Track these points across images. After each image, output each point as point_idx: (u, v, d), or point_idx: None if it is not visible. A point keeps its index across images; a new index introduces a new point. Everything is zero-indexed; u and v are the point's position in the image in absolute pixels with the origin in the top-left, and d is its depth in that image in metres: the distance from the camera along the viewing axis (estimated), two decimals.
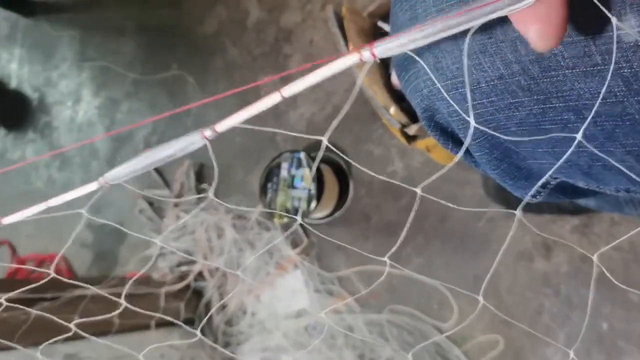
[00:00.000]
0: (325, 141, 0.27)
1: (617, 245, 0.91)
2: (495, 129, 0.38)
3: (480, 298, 0.33)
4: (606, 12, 0.25)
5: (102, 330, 1.04)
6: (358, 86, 0.27)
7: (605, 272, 0.32)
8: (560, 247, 0.97)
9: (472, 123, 0.27)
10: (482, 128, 0.38)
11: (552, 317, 0.96)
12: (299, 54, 1.33)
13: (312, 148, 1.25)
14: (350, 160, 1.21)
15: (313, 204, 1.10)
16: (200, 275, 1.30)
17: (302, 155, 1.13)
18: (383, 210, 1.14)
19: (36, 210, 0.30)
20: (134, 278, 1.23)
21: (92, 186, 0.29)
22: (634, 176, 0.40)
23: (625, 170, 0.39)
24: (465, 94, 0.36)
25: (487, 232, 1.03)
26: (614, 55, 0.29)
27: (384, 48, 0.24)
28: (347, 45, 0.96)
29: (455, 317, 1.04)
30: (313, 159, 1.14)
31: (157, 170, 1.49)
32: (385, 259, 0.33)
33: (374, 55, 0.24)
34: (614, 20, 0.25)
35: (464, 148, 0.28)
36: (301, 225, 1.21)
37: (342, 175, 1.21)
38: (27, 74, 1.85)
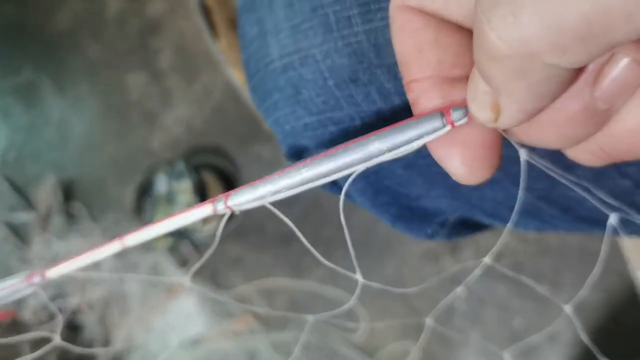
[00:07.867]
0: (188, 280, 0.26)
1: (523, 237, 0.87)
2: (376, 173, 0.31)
3: None
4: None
5: None
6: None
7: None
8: (466, 242, 0.92)
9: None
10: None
11: (463, 317, 0.91)
12: (170, 48, 1.18)
13: (192, 152, 1.12)
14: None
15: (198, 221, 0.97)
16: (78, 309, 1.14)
17: (182, 165, 1.00)
18: (278, 219, 1.04)
19: None
20: None
21: None
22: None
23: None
24: (335, 132, 0.28)
25: (388, 234, 0.96)
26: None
27: (241, 200, 0.21)
28: (216, 39, 0.84)
29: (364, 326, 0.97)
30: (195, 167, 1.01)
31: (18, 190, 1.29)
32: None
33: (229, 207, 0.21)
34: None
35: (342, 198, 0.23)
36: (190, 241, 1.09)
37: (230, 181, 1.08)
38: None
